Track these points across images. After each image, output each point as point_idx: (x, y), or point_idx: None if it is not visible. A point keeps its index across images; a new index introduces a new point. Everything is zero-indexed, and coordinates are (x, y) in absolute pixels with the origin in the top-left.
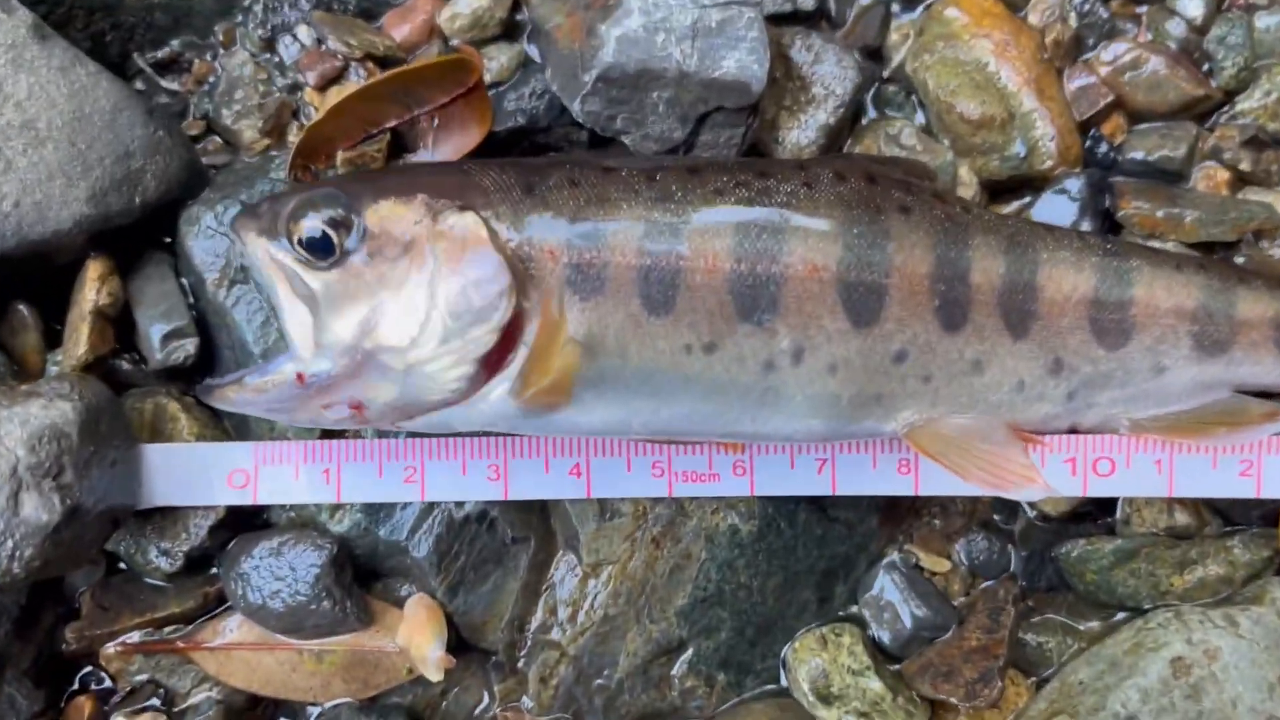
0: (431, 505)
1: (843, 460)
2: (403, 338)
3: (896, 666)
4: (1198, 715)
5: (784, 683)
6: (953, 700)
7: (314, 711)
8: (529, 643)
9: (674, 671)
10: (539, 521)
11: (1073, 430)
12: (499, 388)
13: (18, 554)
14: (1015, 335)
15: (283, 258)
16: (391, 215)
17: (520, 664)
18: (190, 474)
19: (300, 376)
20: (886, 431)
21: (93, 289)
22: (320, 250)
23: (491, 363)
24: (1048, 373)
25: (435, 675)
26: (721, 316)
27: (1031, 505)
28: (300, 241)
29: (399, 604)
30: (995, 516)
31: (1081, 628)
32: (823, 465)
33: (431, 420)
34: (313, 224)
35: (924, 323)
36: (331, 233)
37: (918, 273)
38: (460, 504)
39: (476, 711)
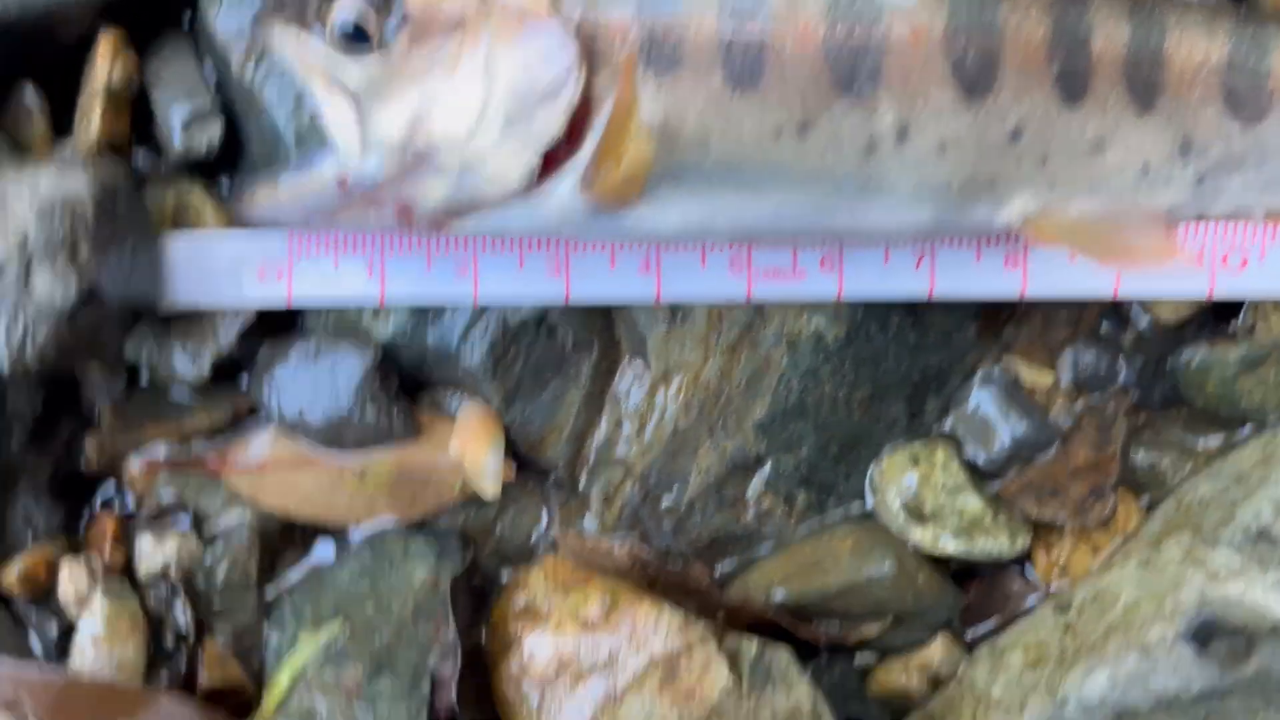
0: (482, 309)
1: (943, 255)
2: (459, 129)
3: (994, 486)
4: None
5: (869, 503)
6: (1060, 519)
7: (356, 534)
8: (592, 460)
9: (749, 491)
10: (603, 326)
11: (1200, 219)
12: (564, 182)
13: (30, 337)
14: (1141, 110)
15: (316, 50)
16: None
17: (582, 483)
18: (217, 267)
19: (343, 180)
20: (999, 223)
21: (105, 65)
22: (357, 38)
23: (557, 154)
24: (1176, 153)
25: (492, 488)
26: (816, 90)
27: (1146, 311)
28: (334, 30)
29: (449, 417)
30: (1104, 326)
31: (1199, 446)
32: (920, 260)
33: (486, 223)
34: (346, 9)
35: (1041, 94)
36: (368, 16)
37: (1034, 37)
38: (516, 307)
39: (534, 535)
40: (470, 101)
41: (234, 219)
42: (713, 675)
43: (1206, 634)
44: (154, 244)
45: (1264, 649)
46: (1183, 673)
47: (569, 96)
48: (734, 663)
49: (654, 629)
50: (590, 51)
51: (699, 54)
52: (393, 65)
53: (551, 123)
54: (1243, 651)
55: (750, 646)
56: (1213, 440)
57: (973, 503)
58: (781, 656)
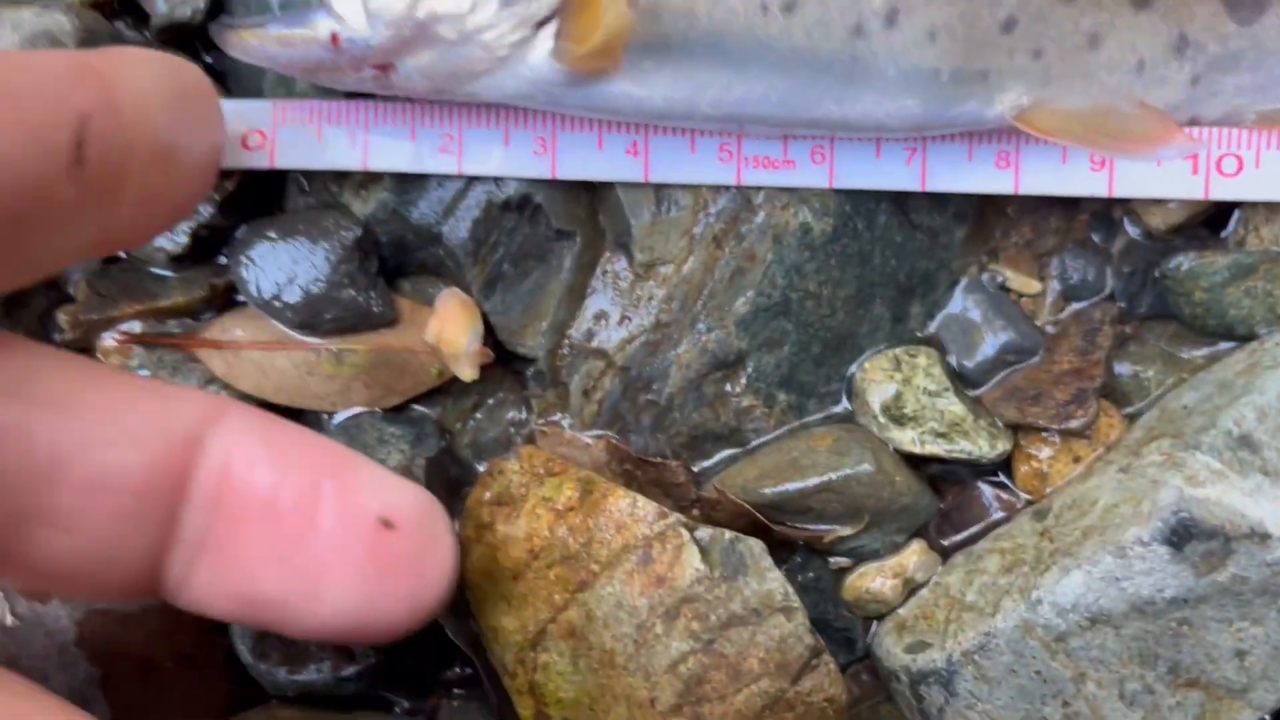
0: (467, 187)
1: (934, 150)
2: (461, 4)
3: (976, 393)
4: None
5: (849, 405)
6: (1040, 423)
7: (331, 421)
8: (571, 352)
9: (729, 388)
10: (587, 216)
11: (1194, 123)
12: (539, 48)
13: None
14: (1137, 6)
15: None
16: None
17: (561, 375)
18: None
19: (335, 37)
20: (990, 117)
21: None
22: None
23: (543, 23)
24: (1171, 51)
25: (469, 373)
26: None
27: (1136, 222)
28: None
29: (428, 305)
30: (1093, 235)
31: (1185, 356)
32: (912, 155)
33: (460, 89)
34: None
35: None
36: None
37: None
38: (500, 186)
39: (511, 428)
40: None
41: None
42: (684, 563)
43: (1183, 535)
44: None
45: (1240, 555)
46: (1157, 576)
47: None
48: (706, 552)
49: (628, 517)
50: None
51: None
52: None
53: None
54: (1219, 555)
55: (723, 537)
56: (1199, 352)
57: (954, 406)
58: (754, 546)
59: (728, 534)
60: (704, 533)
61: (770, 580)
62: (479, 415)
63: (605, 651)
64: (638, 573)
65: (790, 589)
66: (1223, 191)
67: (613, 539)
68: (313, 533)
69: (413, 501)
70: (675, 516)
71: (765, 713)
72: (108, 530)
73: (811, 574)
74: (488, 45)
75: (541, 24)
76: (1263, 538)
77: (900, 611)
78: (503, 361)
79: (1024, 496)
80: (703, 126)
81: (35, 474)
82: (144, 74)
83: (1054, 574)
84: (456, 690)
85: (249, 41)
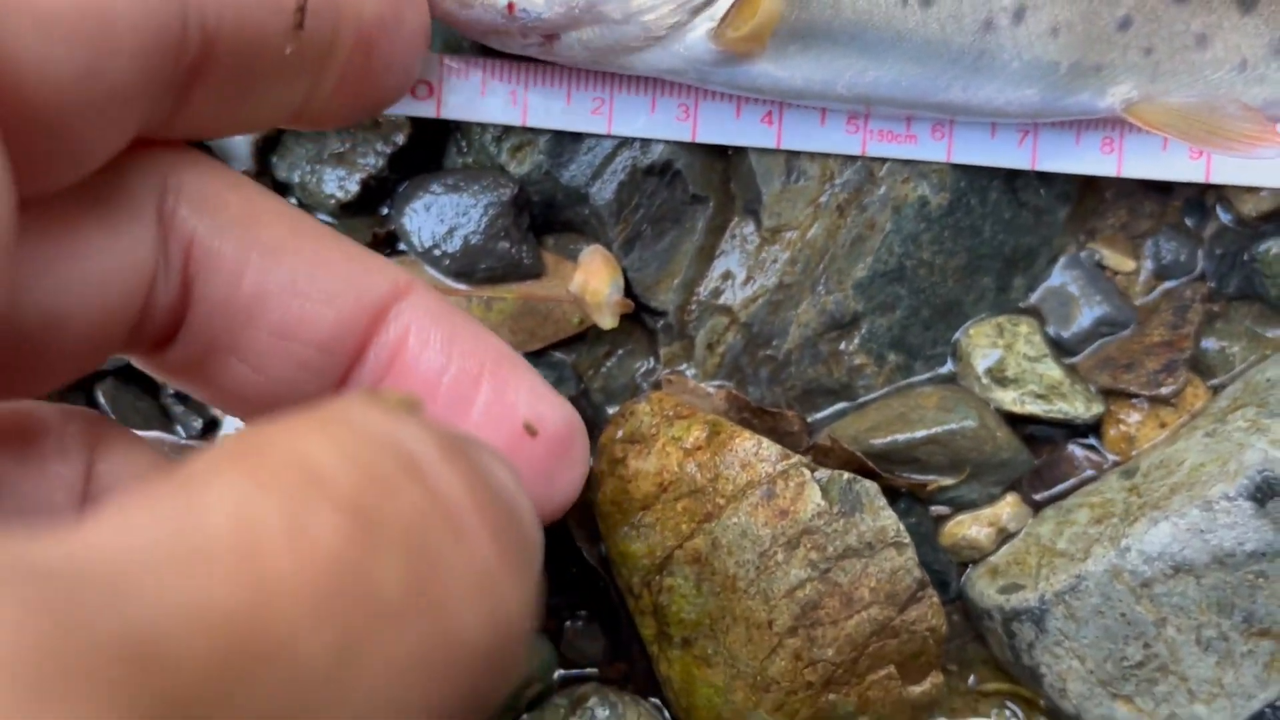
0: (614, 152)
1: (1045, 133)
2: None
3: (1072, 361)
4: None
5: (953, 367)
6: (1132, 390)
7: None
8: (699, 308)
9: (844, 347)
10: (720, 183)
11: None
12: (697, 29)
13: None
14: (1243, 9)
15: None
16: None
17: (688, 328)
18: None
19: (511, 6)
20: (1101, 107)
21: None
22: None
23: (700, 7)
24: (1271, 52)
25: (610, 321)
26: None
27: (1226, 208)
28: None
29: (570, 258)
30: (1186, 220)
31: (1269, 335)
32: (1024, 137)
33: (617, 61)
34: None
35: None
36: None
37: None
38: (644, 152)
39: (638, 376)
40: None
41: None
42: (806, 498)
43: (1266, 493)
44: None
45: None
46: (1240, 530)
47: None
48: (825, 490)
49: (752, 457)
50: None
51: None
52: None
53: None
54: None
55: (840, 477)
56: None
57: (1052, 371)
58: (869, 487)
59: (845, 475)
60: (822, 473)
61: (884, 518)
62: (610, 363)
63: (728, 577)
64: (762, 506)
65: (902, 526)
66: None
67: (738, 475)
68: (462, 421)
69: (559, 417)
70: (797, 458)
71: (872, 638)
72: (288, 374)
73: (913, 520)
74: (647, 25)
75: (698, 9)
76: None
77: (993, 558)
78: (633, 315)
79: (1111, 457)
80: (834, 106)
81: (238, 309)
82: None
83: (1142, 525)
84: (579, 612)
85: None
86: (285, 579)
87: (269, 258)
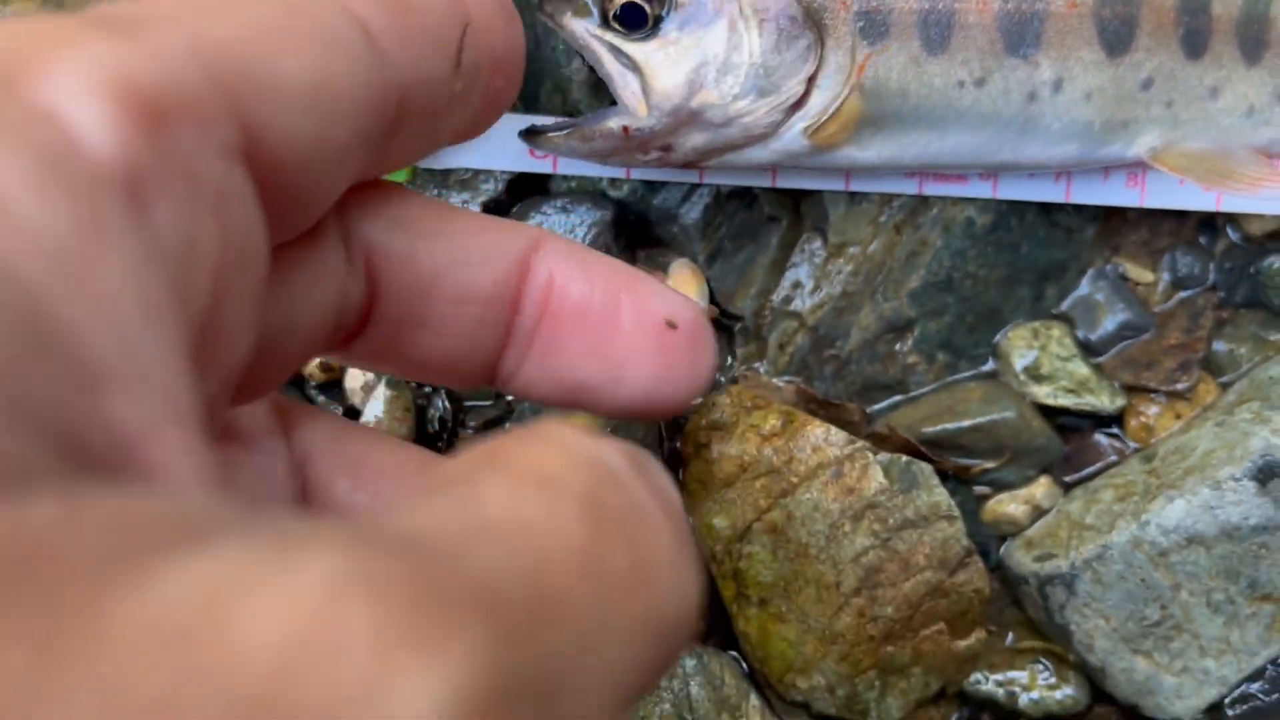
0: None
1: (1078, 172)
2: (725, 95)
3: (1098, 360)
4: None
5: (994, 365)
6: (1152, 385)
7: None
8: (772, 314)
9: (899, 348)
10: (792, 205)
11: None
12: (794, 128)
13: None
14: (1250, 63)
15: (600, 33)
16: None
17: (763, 331)
18: (506, 146)
19: (625, 130)
20: (1130, 156)
21: None
22: (634, 22)
23: (793, 108)
24: (1275, 98)
25: None
26: (991, 52)
27: (1237, 228)
28: (614, 16)
29: (662, 271)
30: (1200, 238)
31: (1272, 338)
32: (1059, 176)
33: (725, 159)
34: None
35: (1169, 52)
36: (644, 5)
37: (1165, 5)
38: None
39: (720, 373)
40: (735, 74)
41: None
42: (870, 477)
43: (1267, 474)
44: None
45: None
46: (1245, 507)
47: (809, 69)
48: (886, 470)
49: (822, 442)
50: (819, 25)
51: (902, 25)
52: (666, 45)
53: (795, 89)
54: None
55: (899, 460)
56: None
57: (1081, 369)
58: (924, 468)
59: (903, 458)
60: (884, 456)
61: (937, 494)
62: None
63: (800, 545)
64: (831, 484)
65: (953, 502)
66: None
67: (810, 458)
68: (616, 332)
69: (689, 308)
70: (861, 443)
71: (926, 598)
72: (466, 332)
73: (958, 498)
74: (747, 126)
75: (791, 109)
76: None
77: (1028, 532)
78: (715, 321)
79: (1133, 445)
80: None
81: (418, 289)
82: None
83: (1160, 502)
84: None
85: (558, 142)
86: (555, 552)
87: (432, 240)
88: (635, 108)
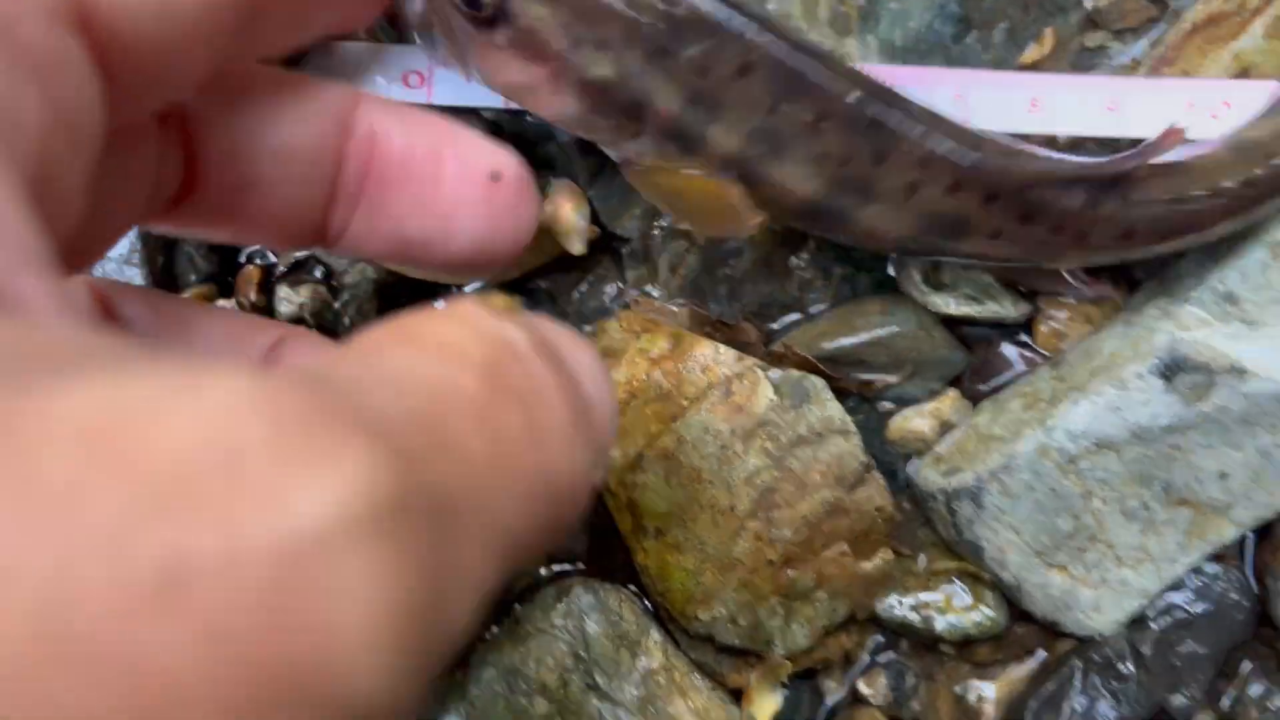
0: None
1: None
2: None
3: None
4: None
5: (894, 275)
6: (1059, 290)
7: (460, 290)
8: (661, 234)
9: (794, 263)
10: None
11: None
12: None
13: None
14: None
15: None
16: None
17: (652, 253)
18: (367, 73)
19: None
20: None
21: None
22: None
23: None
24: None
25: (579, 247)
26: None
27: None
28: None
29: (545, 195)
30: None
31: None
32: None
33: None
34: None
35: None
36: None
37: None
38: None
39: (609, 299)
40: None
41: None
42: (760, 394)
43: (1173, 369)
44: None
45: (1221, 388)
46: (1153, 406)
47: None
48: (778, 387)
49: (711, 362)
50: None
51: None
52: (494, 51)
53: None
54: (1203, 386)
55: (791, 375)
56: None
57: (983, 278)
58: (817, 382)
59: (795, 373)
60: (775, 373)
61: (830, 408)
62: (583, 288)
63: (693, 470)
64: (720, 404)
65: (847, 415)
66: None
67: (699, 379)
68: (441, 185)
69: (512, 160)
70: (752, 360)
71: (825, 518)
72: (290, 191)
73: (862, 416)
74: None
75: None
76: (1240, 372)
77: (937, 449)
78: (603, 245)
79: (1043, 354)
80: None
81: (238, 150)
82: None
83: (1065, 405)
84: None
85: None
86: (450, 402)
87: (248, 101)
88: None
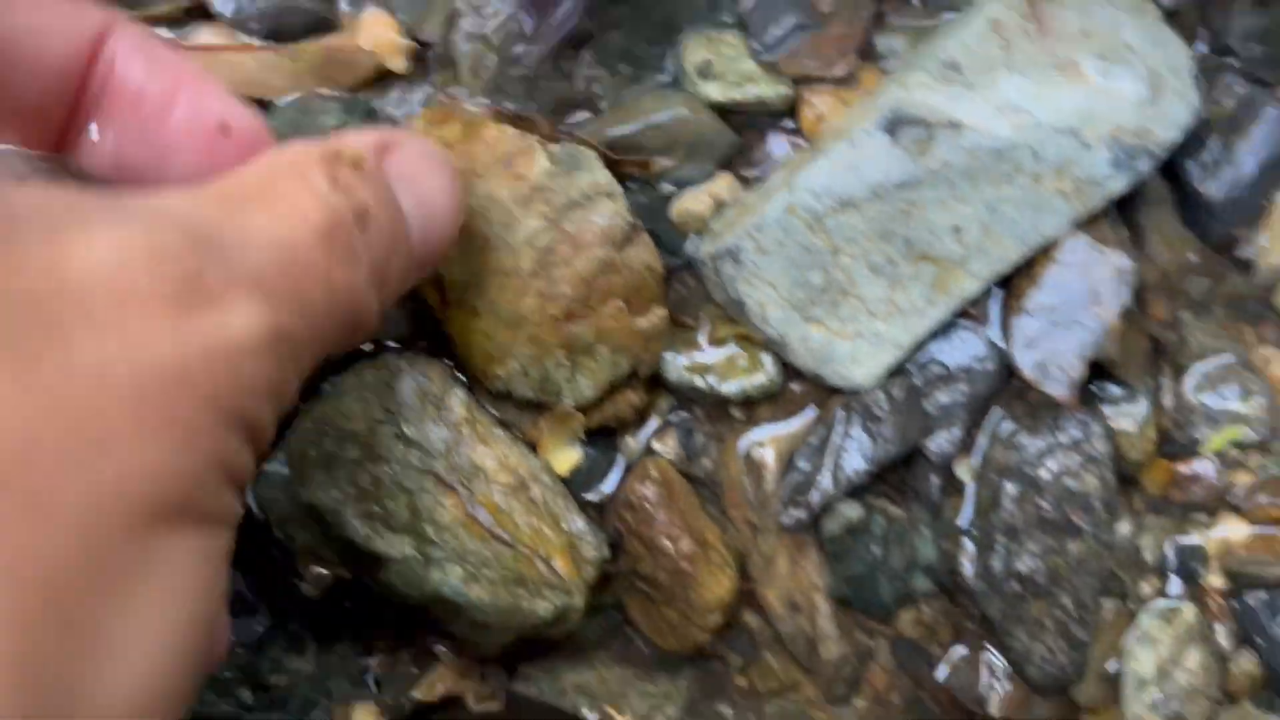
0: None
1: None
2: None
3: (770, 59)
4: (1008, 62)
5: (672, 71)
6: (814, 73)
7: (284, 101)
8: (462, 37)
9: (581, 63)
10: None
11: None
12: None
13: None
14: None
15: None
16: None
17: (454, 56)
18: None
19: None
20: None
21: None
22: None
23: None
24: None
25: (400, 64)
26: None
27: None
28: None
29: (360, 20)
30: None
31: (926, 24)
32: None
33: None
34: None
35: None
36: None
37: None
38: None
39: (418, 105)
40: None
41: None
42: (536, 163)
43: (895, 123)
44: None
45: (942, 142)
46: (883, 163)
47: None
48: (552, 155)
49: (496, 140)
50: None
51: None
52: None
53: None
54: (925, 140)
55: (567, 146)
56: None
57: (748, 65)
58: (587, 153)
59: (570, 145)
60: (554, 147)
61: (599, 174)
62: (394, 95)
63: (482, 236)
64: (503, 174)
65: (614, 180)
66: None
67: (485, 155)
68: (168, 121)
69: (248, 118)
70: (534, 138)
71: (599, 275)
72: (36, 101)
73: (645, 199)
74: None
75: None
76: (956, 126)
77: (711, 224)
78: (421, 57)
79: (808, 139)
80: None
81: None
82: None
83: (807, 166)
84: None
85: None
86: (300, 262)
87: (5, 13)
88: None
